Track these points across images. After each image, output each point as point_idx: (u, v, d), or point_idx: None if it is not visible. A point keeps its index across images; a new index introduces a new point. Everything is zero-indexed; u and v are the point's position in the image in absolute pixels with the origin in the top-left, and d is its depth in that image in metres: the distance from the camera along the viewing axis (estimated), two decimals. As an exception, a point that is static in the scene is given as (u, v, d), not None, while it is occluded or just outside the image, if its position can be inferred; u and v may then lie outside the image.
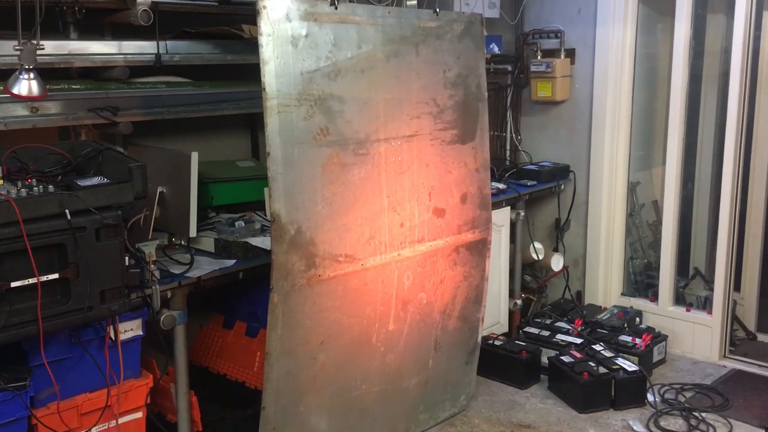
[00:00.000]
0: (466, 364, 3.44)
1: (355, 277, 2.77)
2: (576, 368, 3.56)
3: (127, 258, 2.27)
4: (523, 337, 4.03)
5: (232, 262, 2.74)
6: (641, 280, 4.52)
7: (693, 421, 3.36)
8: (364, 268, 2.79)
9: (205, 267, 2.68)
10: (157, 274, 2.46)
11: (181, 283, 2.56)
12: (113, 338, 2.40)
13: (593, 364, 3.60)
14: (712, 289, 4.39)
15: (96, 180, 2.26)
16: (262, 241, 2.80)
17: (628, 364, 3.60)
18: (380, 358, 2.98)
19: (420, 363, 3.18)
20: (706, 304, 4.35)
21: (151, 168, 2.79)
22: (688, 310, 4.16)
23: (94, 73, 2.83)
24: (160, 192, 2.81)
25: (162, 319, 2.52)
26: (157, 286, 2.46)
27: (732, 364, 3.98)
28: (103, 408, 2.40)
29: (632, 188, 4.41)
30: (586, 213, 4.40)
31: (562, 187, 4.35)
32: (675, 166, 4.08)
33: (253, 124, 3.61)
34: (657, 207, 4.62)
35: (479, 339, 3.45)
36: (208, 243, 2.87)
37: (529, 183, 4.14)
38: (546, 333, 4.00)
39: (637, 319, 4.19)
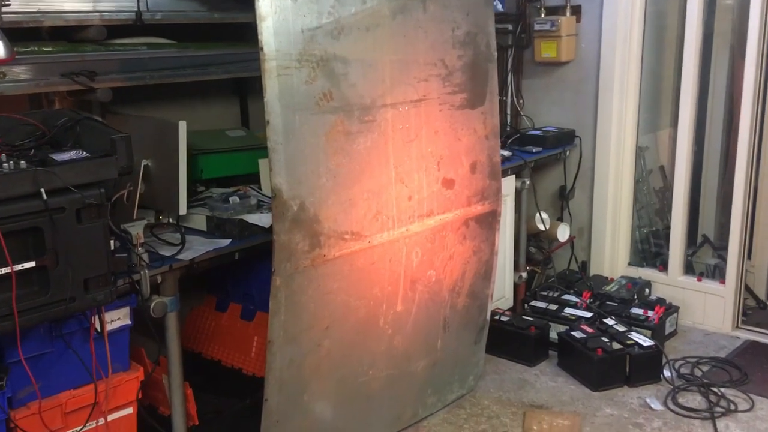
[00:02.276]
0: (475, 344, 3.25)
1: (361, 255, 2.54)
2: (589, 344, 3.38)
3: (112, 241, 2.02)
4: (529, 311, 3.84)
5: (227, 242, 2.50)
6: (648, 249, 4.35)
7: (713, 398, 3.21)
8: (371, 246, 2.57)
9: (197, 248, 2.44)
10: (145, 257, 2.22)
11: (173, 267, 2.32)
12: (99, 329, 2.16)
13: (606, 340, 3.42)
14: (721, 257, 4.25)
15: (74, 154, 2.00)
16: (259, 218, 2.56)
17: (643, 339, 3.43)
18: (388, 341, 2.78)
19: (428, 344, 2.98)
20: (715, 273, 4.20)
21: (134, 139, 2.54)
22: (699, 280, 4.00)
23: (68, 34, 2.55)
24: (144, 165, 2.54)
25: (152, 306, 2.28)
26: (146, 271, 2.22)
27: (745, 335, 3.83)
28: (90, 406, 2.17)
29: (640, 153, 4.21)
30: (591, 180, 4.20)
31: (567, 153, 4.13)
32: (687, 129, 3.87)
33: (242, 90, 3.34)
34: (664, 172, 4.44)
35: (488, 316, 3.26)
36: (199, 221, 2.63)
37: (535, 150, 3.92)
38: (553, 307, 3.82)
39: (647, 290, 4.02)
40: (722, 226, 4.37)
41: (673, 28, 4.11)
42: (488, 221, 3.07)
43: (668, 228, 4.26)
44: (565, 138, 4.10)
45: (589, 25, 4.04)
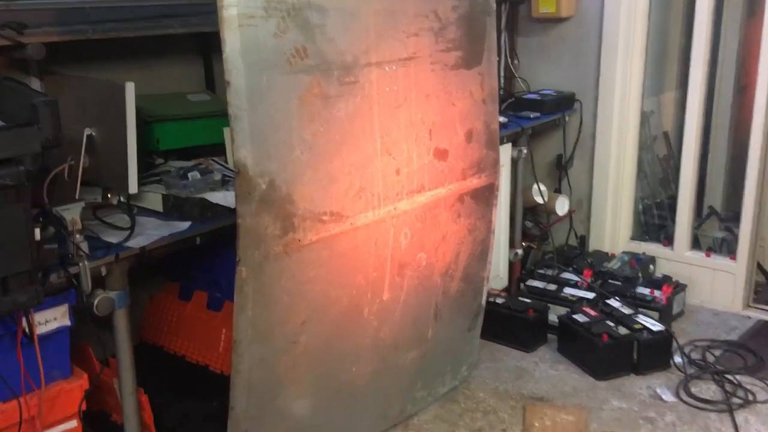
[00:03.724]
0: (469, 331, 2.94)
1: (343, 239, 2.20)
2: (593, 329, 3.08)
3: (37, 230, 1.65)
4: (526, 292, 3.53)
5: (187, 224, 2.15)
6: (651, 222, 4.05)
7: (728, 387, 2.93)
8: (353, 228, 2.22)
9: (150, 233, 2.08)
10: (84, 246, 1.85)
11: (120, 256, 1.96)
12: (29, 333, 1.81)
13: (612, 324, 3.13)
14: (729, 230, 3.96)
15: (-13, 123, 1.63)
16: (224, 197, 2.20)
17: (651, 323, 3.13)
18: (373, 333, 2.45)
19: (418, 335, 2.66)
20: (722, 247, 3.92)
21: (76, 104, 2.17)
22: (707, 255, 3.70)
23: (-10, -21, 2.15)
24: (88, 135, 2.17)
25: (96, 303, 1.93)
26: (86, 263, 1.86)
27: (757, 314, 3.56)
28: (19, 423, 1.83)
29: (645, 118, 3.88)
30: (592, 148, 3.86)
31: (567, 118, 3.79)
32: (698, 91, 3.54)
33: (206, 46, 2.94)
34: (668, 139, 4.12)
35: (483, 301, 2.94)
36: (154, 200, 2.26)
37: (532, 115, 3.57)
38: (552, 287, 3.52)
39: (651, 267, 3.72)
40: (730, 197, 4.08)
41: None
42: (485, 196, 2.74)
43: (672, 199, 3.97)
44: (565, 102, 3.75)
45: (591, -23, 3.68)
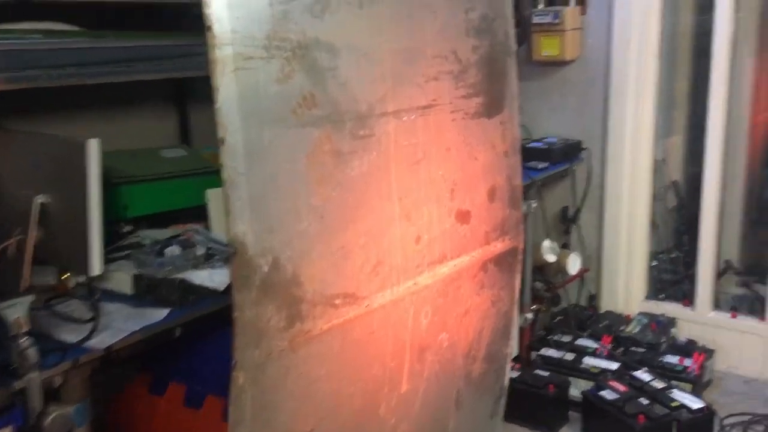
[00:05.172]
0: (491, 417, 2.54)
1: (357, 324, 1.80)
2: (627, 408, 2.71)
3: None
4: (541, 363, 3.16)
5: (164, 312, 1.73)
6: (666, 279, 3.73)
7: (782, 472, 2.58)
8: (369, 311, 1.83)
9: (118, 325, 1.66)
10: (33, 353, 1.42)
11: (79, 361, 1.53)
12: (-43, 473, 1.36)
13: (646, 401, 2.76)
14: (748, 286, 3.66)
15: None
16: (209, 276, 1.79)
17: (690, 398, 2.78)
18: (389, 432, 2.04)
19: (439, 427, 2.26)
20: (743, 305, 3.61)
21: (26, 166, 1.77)
22: (733, 316, 3.39)
23: None
24: (40, 204, 1.75)
25: (47, 423, 1.49)
26: (36, 374, 1.42)
27: (792, 381, 3.24)
28: None
29: (657, 167, 3.59)
30: (601, 200, 3.55)
31: (575, 168, 3.48)
32: (718, 135, 3.26)
33: (181, 94, 2.56)
34: (677, 188, 3.83)
35: (506, 382, 2.55)
36: (122, 281, 1.84)
37: (540, 165, 3.25)
38: (570, 356, 3.15)
39: (672, 330, 3.39)
40: (747, 250, 3.80)
41: (686, 19, 3.52)
42: (508, 262, 2.38)
43: (687, 253, 3.67)
44: (572, 151, 3.45)
45: (596, 18, 3.41)
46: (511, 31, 2.27)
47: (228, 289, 1.74)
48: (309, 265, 1.63)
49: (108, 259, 1.88)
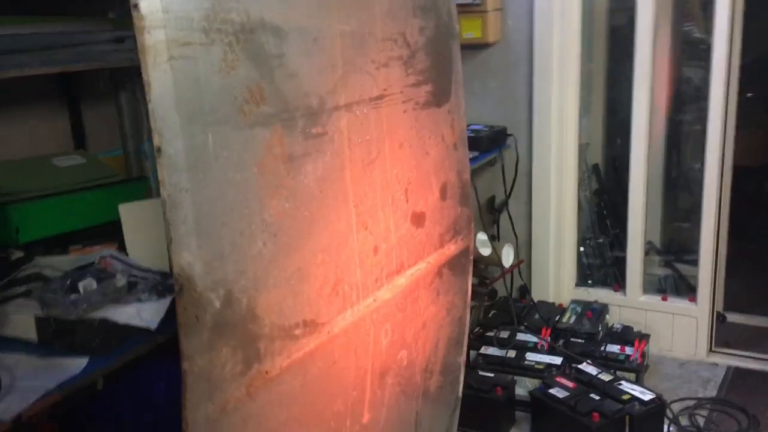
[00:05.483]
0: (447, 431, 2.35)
1: (318, 356, 1.54)
2: (579, 407, 2.59)
3: None
4: (483, 363, 3.00)
5: (82, 362, 1.39)
6: (593, 264, 3.66)
7: (737, 459, 2.54)
8: (330, 338, 1.57)
9: (26, 383, 1.32)
10: None
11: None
12: None
13: (597, 397, 2.65)
14: (671, 266, 3.67)
15: None
16: (136, 313, 1.47)
17: (640, 390, 2.69)
18: (351, 470, 1.79)
19: (398, 454, 2.03)
20: (666, 287, 3.61)
21: None
22: (664, 299, 3.35)
23: None
24: None
25: None
26: None
27: (724, 361, 3.24)
28: None
29: (581, 151, 3.50)
30: (528, 187, 3.43)
31: (503, 156, 3.33)
32: (644, 116, 3.19)
33: (72, 90, 2.17)
34: (599, 171, 3.78)
35: (460, 392, 2.36)
36: (22, 325, 1.48)
37: (470, 155, 3.06)
38: (511, 354, 3.00)
39: (606, 317, 3.32)
40: (670, 230, 3.80)
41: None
42: (461, 264, 2.18)
43: (613, 237, 3.63)
44: (499, 138, 3.29)
45: (515, -2, 3.26)
46: (454, 11, 2.05)
47: (161, 326, 1.44)
48: (265, 294, 1.35)
49: (0, 297, 1.53)
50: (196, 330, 1.20)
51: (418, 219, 1.90)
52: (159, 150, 1.11)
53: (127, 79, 2.09)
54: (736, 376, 3.12)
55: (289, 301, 1.42)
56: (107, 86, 2.08)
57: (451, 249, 2.09)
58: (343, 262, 1.59)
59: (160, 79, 1.11)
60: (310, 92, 1.45)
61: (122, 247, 1.79)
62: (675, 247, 3.75)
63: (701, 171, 3.16)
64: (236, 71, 1.25)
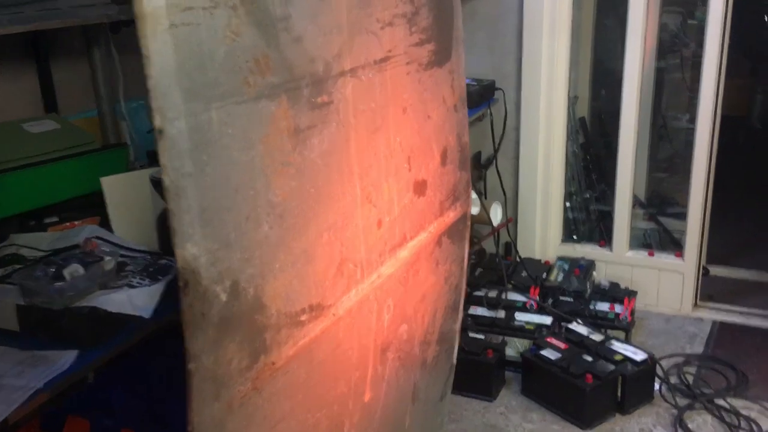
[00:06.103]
0: (441, 400, 2.30)
1: (324, 341, 1.45)
2: (572, 369, 2.57)
3: None
4: (473, 325, 2.95)
5: (71, 356, 1.28)
6: (580, 220, 3.62)
7: (727, 417, 2.54)
8: (335, 320, 1.48)
9: (11, 382, 1.21)
10: None
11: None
12: None
13: (589, 358, 2.64)
14: (655, 220, 3.65)
15: None
16: (128, 300, 1.36)
17: (631, 350, 2.68)
18: (353, 449, 1.73)
19: (396, 428, 1.98)
20: (651, 242, 3.59)
21: None
22: (650, 254, 3.33)
23: None
24: None
25: None
26: None
27: (709, 315, 3.25)
28: None
29: (571, 104, 3.41)
30: (516, 142, 3.34)
31: (491, 111, 3.23)
32: (636, 69, 3.10)
33: (40, 49, 1.99)
34: (585, 125, 3.70)
35: (455, 359, 2.31)
36: (2, 313, 1.36)
37: (460, 110, 2.95)
38: (501, 314, 2.96)
39: (594, 274, 3.29)
40: (656, 185, 3.77)
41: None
42: (459, 230, 2.09)
43: (598, 192, 3.58)
44: (487, 92, 3.18)
45: (505, -58, 3.11)
46: (455, -41, 1.92)
47: (156, 314, 1.33)
48: (272, 282, 1.25)
49: (-25, 282, 1.40)
50: (201, 329, 1.09)
51: (420, 187, 1.80)
52: (161, 131, 0.98)
53: (101, 34, 1.92)
54: (722, 331, 3.14)
55: (295, 285, 1.32)
56: (80, 43, 1.91)
57: (451, 216, 1.99)
58: (348, 239, 1.48)
59: (161, 51, 0.97)
60: (316, 57, 1.32)
61: (104, 222, 1.66)
62: (657, 200, 3.72)
63: (690, 122, 3.11)
64: (241, 38, 1.12)
